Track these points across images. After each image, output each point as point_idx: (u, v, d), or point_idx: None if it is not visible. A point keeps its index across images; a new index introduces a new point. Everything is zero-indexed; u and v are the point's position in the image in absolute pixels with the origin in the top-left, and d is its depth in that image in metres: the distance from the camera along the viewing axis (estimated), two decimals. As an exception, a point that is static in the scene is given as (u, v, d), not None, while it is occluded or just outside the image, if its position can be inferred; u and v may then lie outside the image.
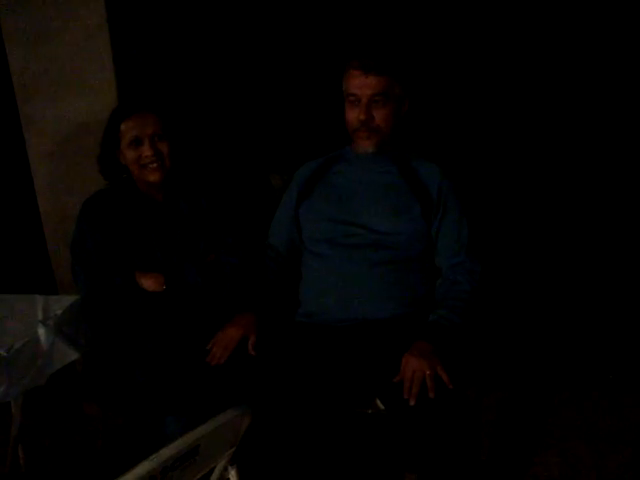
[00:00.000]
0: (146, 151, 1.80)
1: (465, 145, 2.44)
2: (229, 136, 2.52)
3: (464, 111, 2.45)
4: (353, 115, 1.76)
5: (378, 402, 1.57)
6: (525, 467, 2.00)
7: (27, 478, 1.93)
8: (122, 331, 1.81)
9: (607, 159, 2.48)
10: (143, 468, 1.07)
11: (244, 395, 1.48)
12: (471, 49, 2.41)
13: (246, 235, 1.94)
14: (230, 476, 1.32)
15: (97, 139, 1.89)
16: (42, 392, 1.72)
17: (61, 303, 1.78)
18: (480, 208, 1.87)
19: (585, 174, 2.50)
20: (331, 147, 1.93)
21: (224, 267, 1.88)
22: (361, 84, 1.72)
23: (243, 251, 1.91)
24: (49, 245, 2.34)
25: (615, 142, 2.47)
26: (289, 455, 1.58)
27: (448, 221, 1.75)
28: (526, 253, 2.55)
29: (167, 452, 1.12)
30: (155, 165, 1.81)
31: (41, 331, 1.65)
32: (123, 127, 1.80)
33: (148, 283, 1.80)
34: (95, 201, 1.87)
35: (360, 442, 1.96)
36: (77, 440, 2.22)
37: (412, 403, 1.41)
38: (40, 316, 1.71)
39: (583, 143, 2.48)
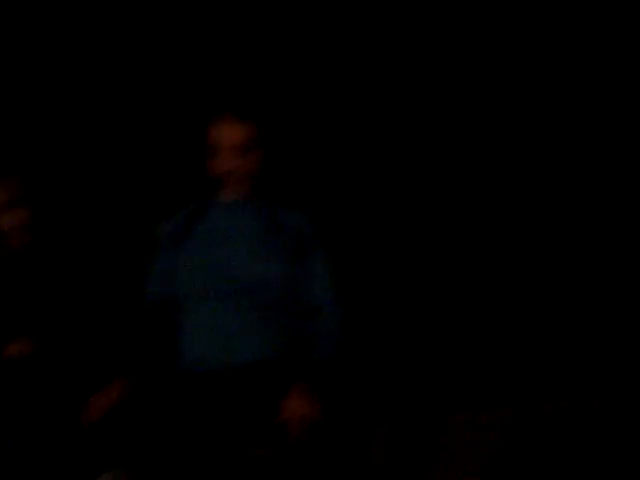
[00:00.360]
0: (5, 219, 1.76)
1: (328, 192, 2.52)
2: (100, 191, 2.48)
3: (327, 159, 2.53)
4: (217, 164, 1.80)
5: (264, 445, 1.60)
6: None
7: None
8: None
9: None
10: None
11: (123, 457, 1.46)
12: (335, 97, 2.50)
13: (114, 294, 1.92)
14: None
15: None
16: None
17: None
18: (344, 251, 1.95)
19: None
20: (198, 197, 1.96)
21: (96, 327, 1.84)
22: (223, 134, 1.77)
23: (116, 311, 1.88)
24: None
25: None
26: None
27: (314, 264, 1.82)
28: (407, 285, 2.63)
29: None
30: (15, 232, 1.78)
31: None
32: None
33: (15, 350, 1.73)
34: None
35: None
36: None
37: (293, 442, 1.47)
38: None
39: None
